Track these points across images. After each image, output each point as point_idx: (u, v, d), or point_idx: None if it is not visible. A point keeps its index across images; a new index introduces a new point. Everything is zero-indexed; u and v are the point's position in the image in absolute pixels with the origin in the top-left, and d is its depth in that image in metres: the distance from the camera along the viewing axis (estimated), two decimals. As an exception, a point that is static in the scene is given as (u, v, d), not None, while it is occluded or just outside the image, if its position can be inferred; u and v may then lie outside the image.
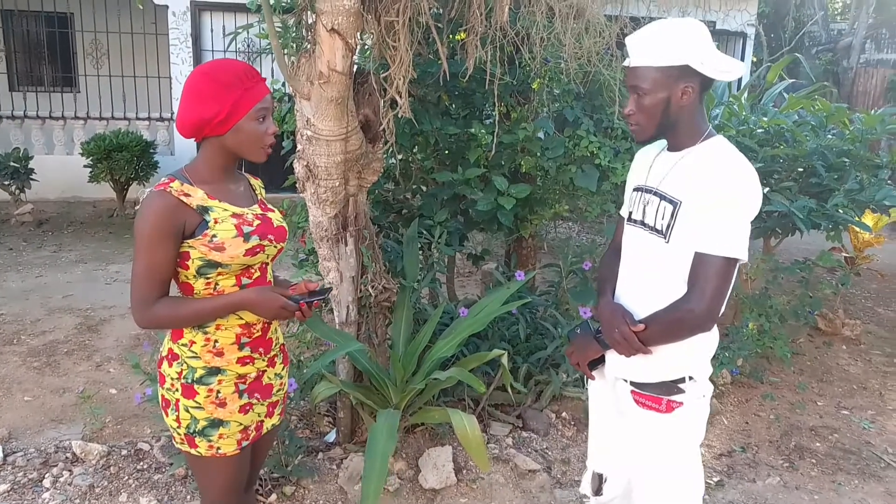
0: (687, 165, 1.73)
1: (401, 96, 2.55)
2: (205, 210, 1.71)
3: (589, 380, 2.06)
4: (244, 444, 1.86)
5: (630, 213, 1.90)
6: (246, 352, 1.82)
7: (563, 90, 3.53)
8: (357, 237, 2.90)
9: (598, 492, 2.05)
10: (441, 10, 2.95)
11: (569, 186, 3.64)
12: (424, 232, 3.44)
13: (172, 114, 8.65)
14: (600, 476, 2.05)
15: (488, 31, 2.68)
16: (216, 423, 1.79)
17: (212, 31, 8.43)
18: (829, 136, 4.14)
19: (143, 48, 8.74)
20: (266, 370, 1.89)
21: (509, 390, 3.14)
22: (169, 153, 8.64)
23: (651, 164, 1.85)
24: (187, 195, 1.70)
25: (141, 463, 3.04)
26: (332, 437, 3.21)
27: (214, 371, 1.78)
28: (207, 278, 1.74)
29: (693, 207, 1.67)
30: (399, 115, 2.62)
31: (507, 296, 3.20)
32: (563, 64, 3.18)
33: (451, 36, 3.09)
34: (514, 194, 3.42)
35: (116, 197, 8.00)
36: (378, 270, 2.97)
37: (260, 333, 1.85)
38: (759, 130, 4.04)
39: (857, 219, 4.15)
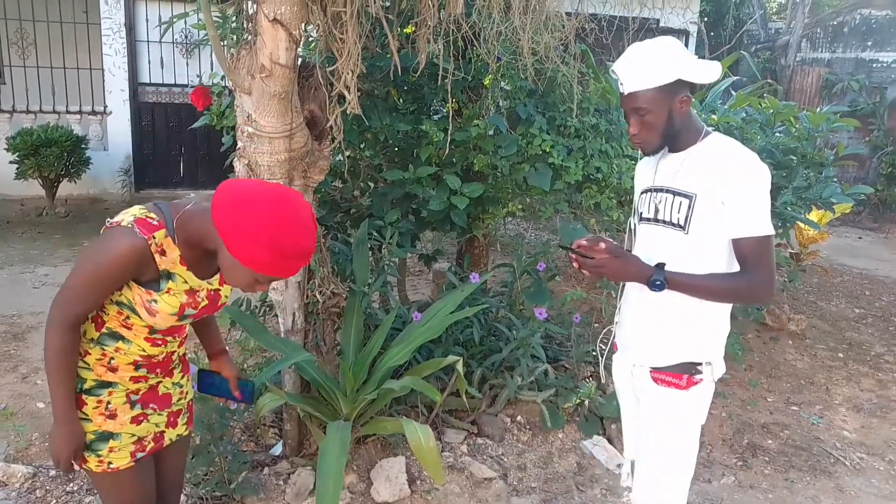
0: (694, 162, 1.85)
1: (349, 91, 2.41)
2: (168, 276, 1.57)
3: (614, 371, 2.13)
4: (139, 455, 1.74)
5: (641, 213, 2.00)
6: (142, 372, 1.71)
7: (516, 87, 3.44)
8: (303, 240, 2.75)
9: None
10: (390, 2, 2.82)
11: (522, 185, 3.55)
12: (374, 233, 3.31)
13: (105, 107, 8.24)
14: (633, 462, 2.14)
15: (441, 25, 2.56)
16: (105, 437, 1.68)
17: (147, 20, 8.07)
18: (777, 134, 4.17)
19: (74, 38, 8.30)
20: (162, 380, 1.78)
21: (463, 396, 3.04)
22: (102, 148, 8.22)
23: (656, 167, 1.96)
24: (163, 253, 1.54)
25: (71, 484, 2.83)
26: (278, 449, 3.05)
27: (105, 384, 1.67)
28: (121, 309, 1.61)
29: (711, 199, 1.79)
30: (347, 111, 2.49)
31: (462, 298, 3.09)
32: (516, 60, 3.09)
33: (400, 29, 2.96)
34: (468, 193, 3.31)
35: (46, 195, 7.57)
36: (326, 274, 2.83)
37: (162, 360, 1.75)
38: (710, 128, 4.03)
39: (804, 216, 4.19)
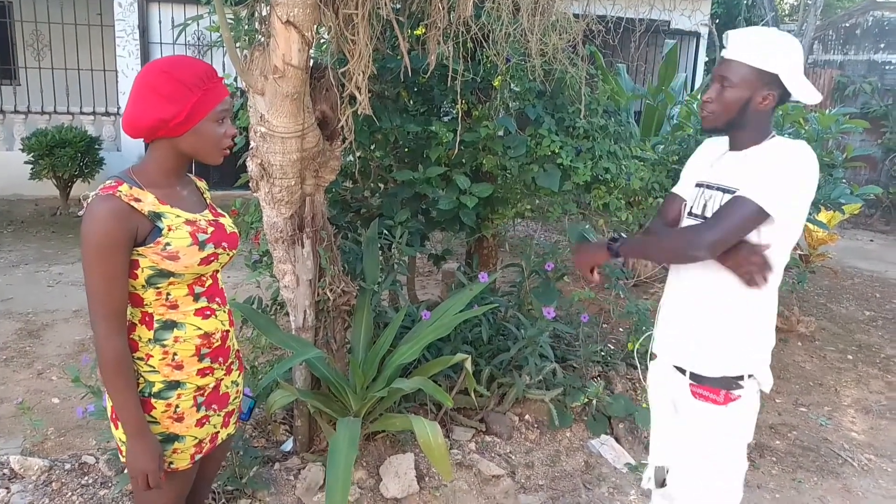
0: (748, 161, 1.82)
1: (360, 92, 2.44)
2: (157, 216, 1.60)
3: (650, 379, 2.08)
4: (197, 457, 1.76)
5: (690, 207, 1.95)
6: (206, 363, 1.72)
7: (525, 88, 3.47)
8: (314, 238, 2.79)
9: (663, 483, 2.06)
10: (401, 4, 2.85)
11: (531, 186, 3.58)
12: (385, 232, 3.35)
13: (119, 108, 8.34)
14: (664, 468, 2.07)
15: (450, 27, 2.60)
16: (171, 439, 1.69)
17: (160, 22, 8.16)
18: (786, 135, 4.18)
19: (88, 40, 8.40)
20: (223, 379, 1.80)
21: (472, 394, 3.07)
22: (115, 149, 8.32)
23: (714, 163, 1.93)
24: (137, 200, 1.59)
25: (86, 477, 2.88)
26: (288, 445, 3.09)
27: (174, 385, 1.68)
28: (158, 288, 1.64)
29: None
30: (358, 112, 2.52)
31: (470, 298, 3.12)
32: (525, 61, 3.12)
33: (411, 31, 3.00)
34: (477, 193, 3.34)
35: (59, 195, 7.68)
36: (336, 273, 2.86)
37: (219, 342, 1.76)
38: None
39: (813, 217, 4.19)
